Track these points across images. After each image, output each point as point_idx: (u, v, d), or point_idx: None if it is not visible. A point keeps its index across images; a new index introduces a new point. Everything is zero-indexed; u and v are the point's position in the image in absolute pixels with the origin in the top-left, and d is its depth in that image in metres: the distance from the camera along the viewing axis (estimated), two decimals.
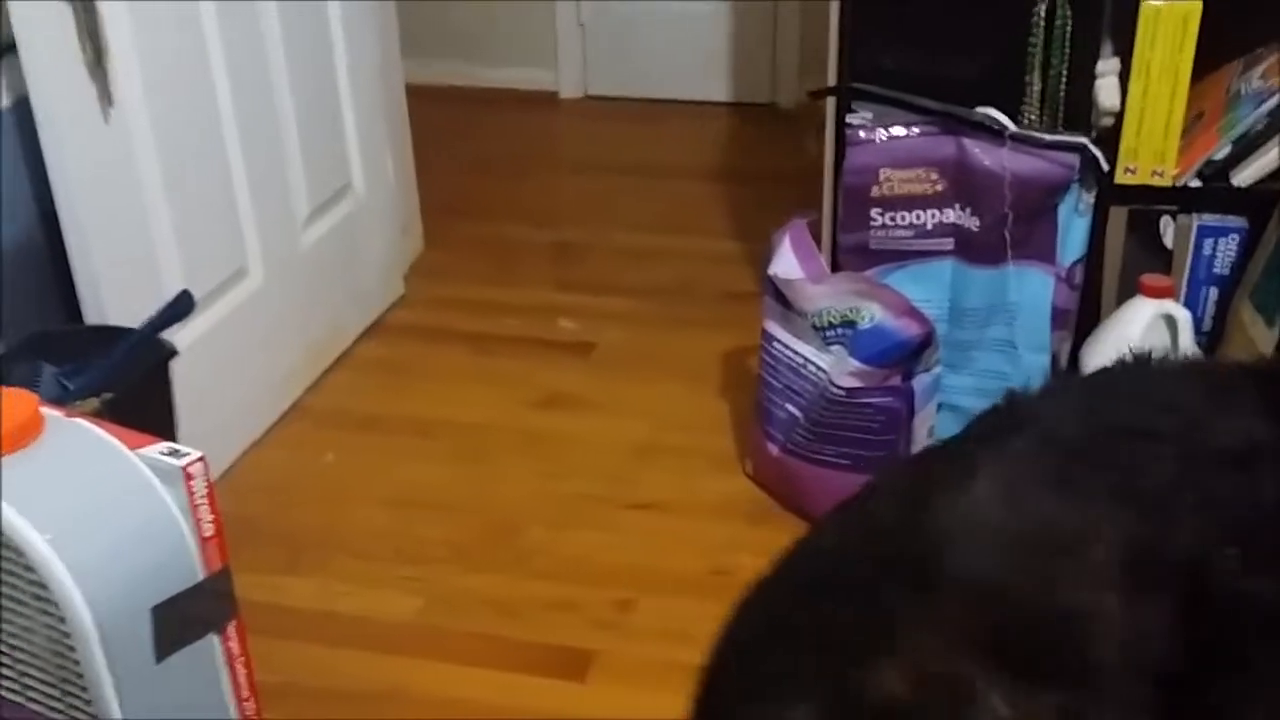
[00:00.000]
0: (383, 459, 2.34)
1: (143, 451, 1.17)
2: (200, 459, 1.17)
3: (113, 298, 1.97)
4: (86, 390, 1.73)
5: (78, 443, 1.15)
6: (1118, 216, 2.18)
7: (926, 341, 2.01)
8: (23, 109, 1.86)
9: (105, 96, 1.90)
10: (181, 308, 1.85)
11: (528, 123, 3.89)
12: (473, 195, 3.36)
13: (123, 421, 1.68)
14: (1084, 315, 2.18)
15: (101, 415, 1.69)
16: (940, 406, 2.16)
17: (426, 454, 2.36)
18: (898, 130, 2.09)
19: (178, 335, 2.12)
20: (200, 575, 1.18)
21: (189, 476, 1.16)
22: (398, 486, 2.26)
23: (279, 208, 2.39)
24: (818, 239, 2.23)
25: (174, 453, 1.17)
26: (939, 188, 2.10)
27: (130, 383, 1.78)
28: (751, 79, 3.90)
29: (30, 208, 1.92)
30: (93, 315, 1.96)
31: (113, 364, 1.74)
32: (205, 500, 1.18)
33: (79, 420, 1.18)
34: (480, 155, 3.63)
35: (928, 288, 2.14)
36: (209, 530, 1.19)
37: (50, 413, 1.17)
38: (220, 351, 2.25)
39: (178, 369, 2.04)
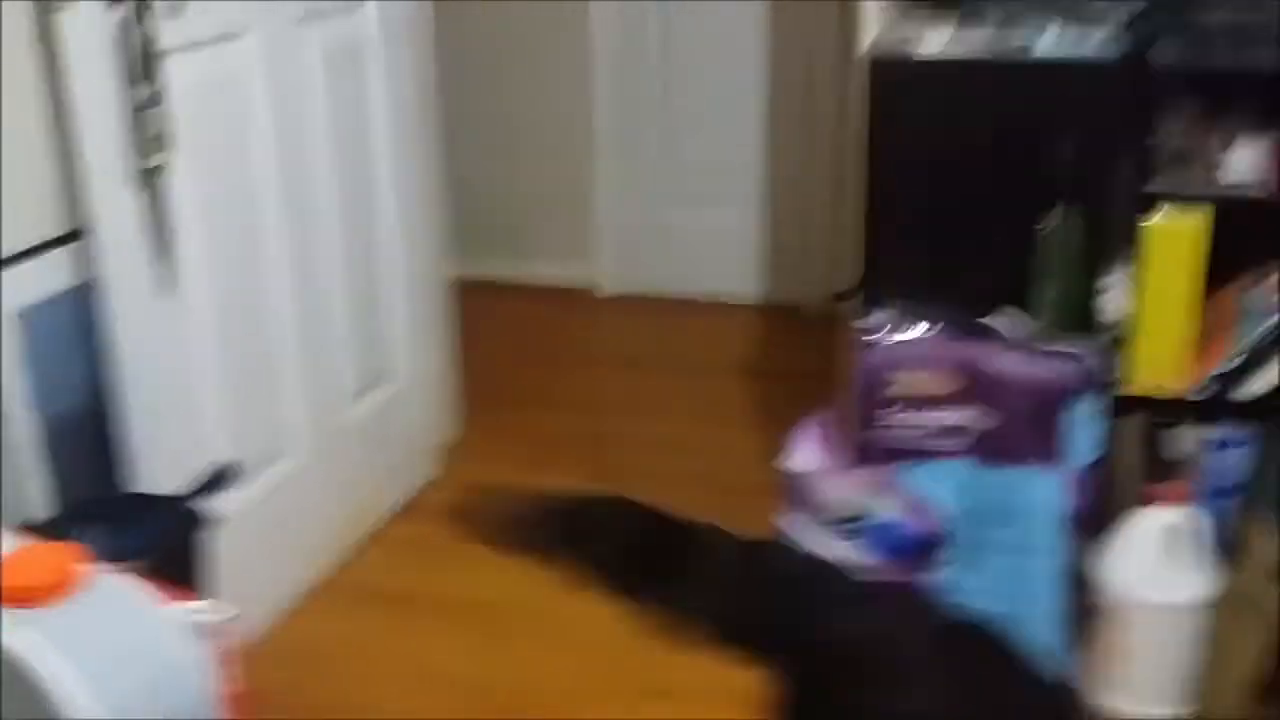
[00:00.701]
0: (409, 637, 2.39)
1: (176, 607, 1.24)
2: (231, 616, 1.24)
3: (158, 470, 2.06)
4: (127, 556, 1.80)
5: (114, 597, 1.22)
6: (1130, 425, 2.25)
7: (936, 539, 2.06)
8: (84, 290, 1.99)
9: (168, 281, 2.04)
10: (221, 479, 1.94)
11: (566, 316, 4.04)
12: (512, 384, 3.48)
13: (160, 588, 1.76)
14: (1097, 521, 2.22)
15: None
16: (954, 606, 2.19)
17: (451, 633, 2.40)
18: (912, 333, 2.19)
19: (220, 504, 2.22)
20: None
21: (216, 633, 1.23)
22: (422, 664, 2.30)
23: (324, 389, 2.51)
24: (836, 436, 2.31)
25: (206, 610, 1.24)
26: (952, 389, 2.18)
27: (166, 551, 1.86)
28: (784, 281, 4.04)
29: (86, 381, 2.03)
30: (138, 485, 2.05)
31: (148, 532, 1.82)
32: (231, 656, 1.24)
33: (117, 576, 1.25)
34: (519, 346, 3.77)
35: (941, 486, 2.19)
36: (232, 685, 1.25)
37: (92, 568, 1.25)
38: (259, 523, 2.33)
39: (218, 535, 2.12)
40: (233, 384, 2.24)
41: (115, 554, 1.76)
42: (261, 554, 2.34)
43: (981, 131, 2.17)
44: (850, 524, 2.11)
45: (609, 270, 4.18)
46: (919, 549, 2.07)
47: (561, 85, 4.06)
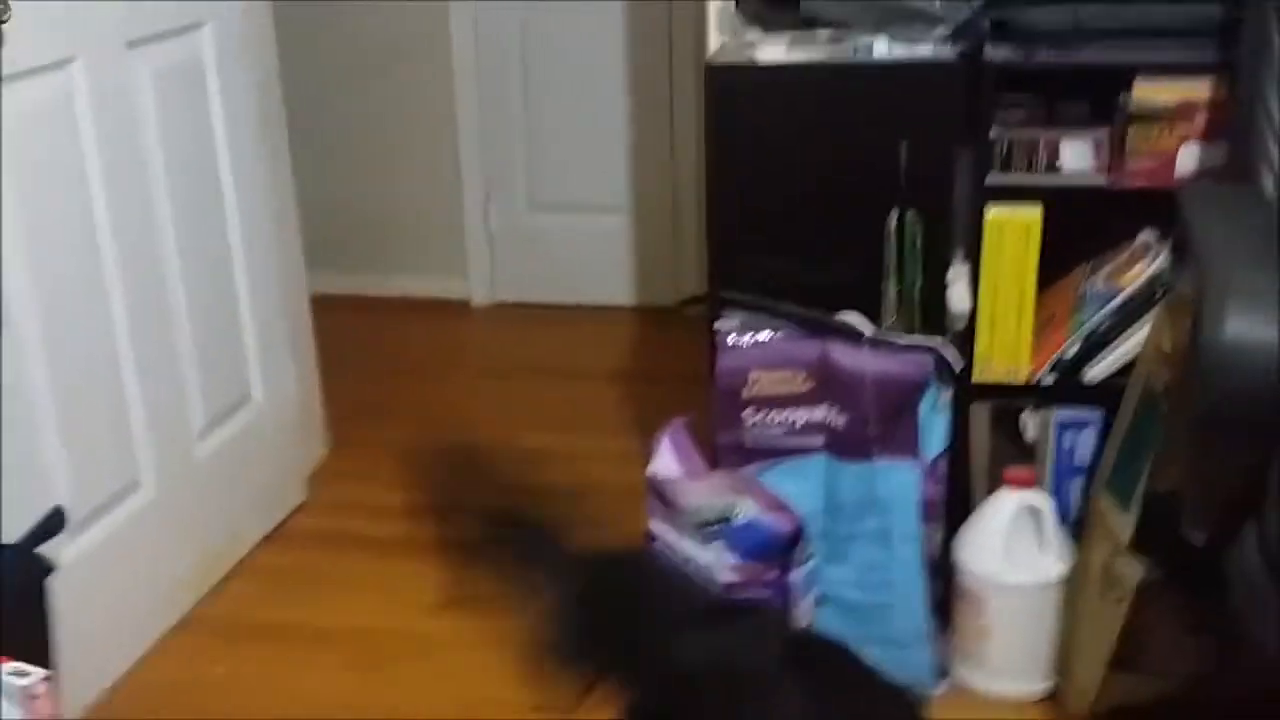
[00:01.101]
0: (277, 669, 2.34)
1: None
2: (46, 678, 1.20)
3: None
4: None
5: None
6: (980, 412, 2.29)
7: (797, 536, 2.08)
8: None
9: None
10: (53, 524, 1.88)
11: (439, 330, 4.00)
12: (381, 401, 3.43)
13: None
14: (955, 507, 2.26)
15: None
16: (822, 599, 2.22)
17: (321, 663, 2.36)
18: (764, 334, 2.20)
19: (66, 548, 2.15)
20: None
21: (33, 696, 1.19)
22: (290, 698, 2.26)
23: (173, 420, 2.45)
24: (703, 438, 2.32)
25: (19, 672, 1.20)
26: (806, 388, 2.20)
27: (7, 599, 1.80)
28: (655, 283, 4.05)
29: None
30: None
31: None
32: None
33: None
34: (391, 362, 3.73)
35: (802, 483, 2.22)
36: None
37: None
38: (111, 562, 2.27)
39: (67, 579, 2.06)
40: (72, 422, 2.17)
41: None
42: (118, 595, 2.28)
43: (822, 134, 2.19)
44: (712, 527, 2.12)
45: (481, 280, 4.16)
46: (781, 547, 2.08)
47: (424, 95, 4.02)
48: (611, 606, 1.40)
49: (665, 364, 3.66)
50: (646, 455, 3.06)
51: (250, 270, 2.67)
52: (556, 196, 4.06)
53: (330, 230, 3.98)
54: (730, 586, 2.08)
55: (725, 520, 2.11)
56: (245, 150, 2.63)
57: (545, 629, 1.44)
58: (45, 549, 1.94)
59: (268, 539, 2.75)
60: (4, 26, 1.94)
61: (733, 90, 2.22)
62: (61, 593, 2.04)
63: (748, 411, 2.24)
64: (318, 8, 3.87)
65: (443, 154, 4.05)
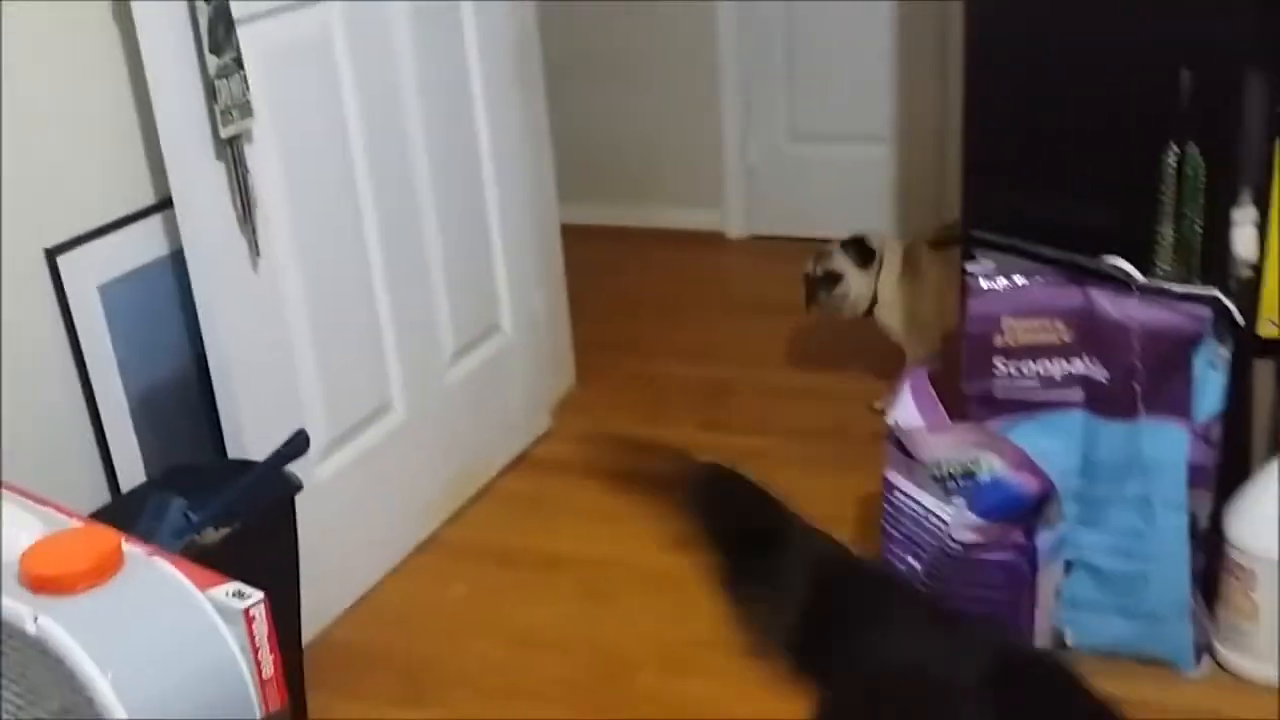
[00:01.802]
0: (511, 594, 2.39)
1: (210, 592, 1.24)
2: (261, 600, 1.23)
3: (256, 433, 2.09)
4: (209, 522, 1.84)
5: (149, 582, 1.22)
6: (1264, 371, 2.07)
7: (1045, 497, 1.94)
8: (180, 258, 2.02)
9: (254, 247, 2.05)
10: (297, 446, 1.95)
11: (691, 263, 3.96)
12: (629, 333, 3.43)
13: (245, 553, 1.79)
14: (1229, 473, 2.06)
15: (220, 548, 1.80)
16: (1074, 565, 2.08)
17: (554, 590, 2.39)
18: (1020, 279, 2.05)
19: (319, 467, 2.24)
20: (258, 715, 1.23)
21: (250, 618, 1.22)
22: (522, 622, 2.30)
23: (424, 346, 2.51)
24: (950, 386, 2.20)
25: (238, 594, 1.23)
26: (1065, 338, 2.04)
27: (253, 516, 1.88)
28: (919, 217, 3.88)
29: (185, 348, 2.07)
30: (235, 450, 2.09)
31: (233, 498, 1.85)
32: (266, 641, 1.23)
33: (155, 559, 1.26)
34: (641, 294, 3.72)
35: (1058, 440, 2.07)
36: (269, 671, 1.24)
37: (132, 550, 1.25)
38: (362, 483, 2.35)
39: (318, 498, 2.15)
40: (328, 345, 2.25)
41: (194, 524, 1.80)
42: (366, 515, 2.37)
43: (1093, 60, 2.00)
44: (956, 481, 2.01)
45: (737, 213, 4.09)
46: (1028, 508, 1.95)
47: (683, 22, 3.96)
48: (827, 605, 1.36)
49: None
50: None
51: (502, 202, 2.70)
52: (817, 126, 3.94)
53: (585, 160, 4.00)
54: (971, 547, 1.97)
55: (968, 476, 1.99)
56: (500, 82, 2.65)
57: (762, 616, 1.45)
58: (293, 468, 2.02)
59: (512, 465, 2.80)
60: None
61: (995, 12, 2.05)
62: (312, 511, 2.13)
63: (999, 361, 2.10)
64: None
65: (701, 82, 3.99)
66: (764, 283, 3.81)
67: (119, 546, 1.25)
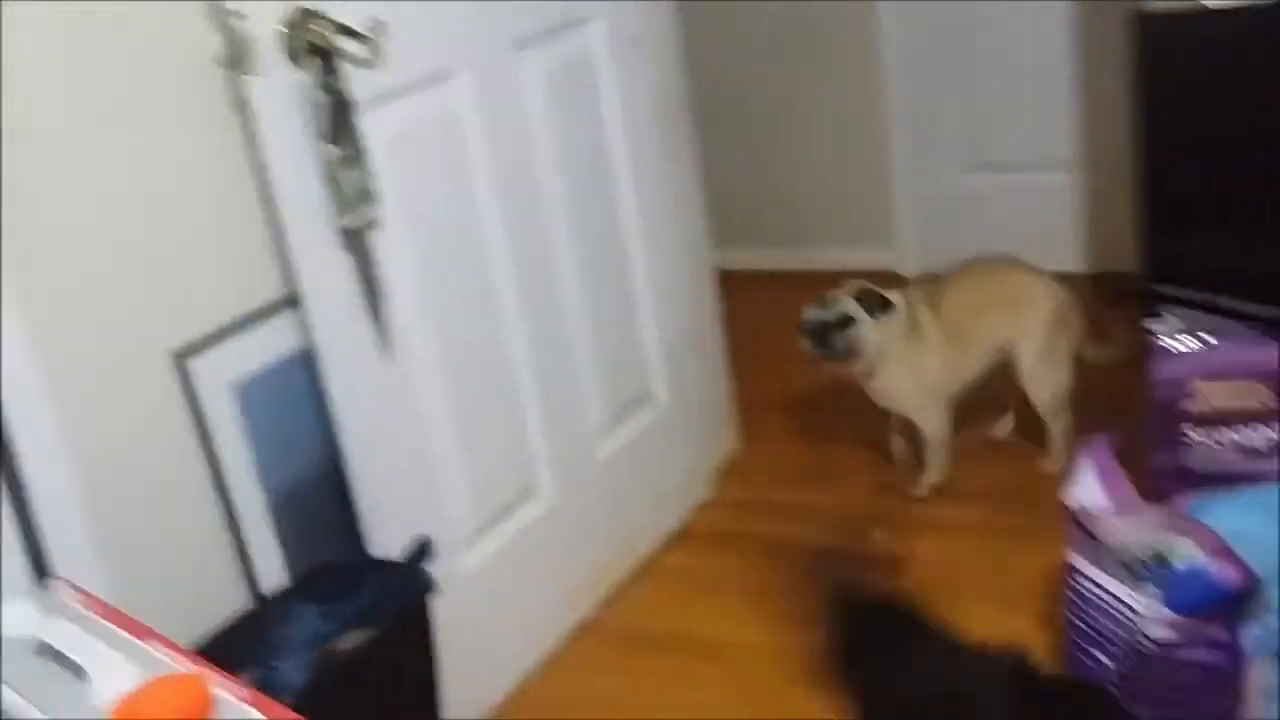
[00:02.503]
0: (668, 683, 2.27)
1: None
2: None
3: (396, 527, 2.03)
4: (342, 629, 1.78)
5: None
6: None
7: (1248, 588, 1.72)
8: (312, 352, 1.98)
9: (384, 338, 2.00)
10: (420, 554, 1.88)
11: None
12: (795, 387, 3.28)
13: (381, 657, 1.73)
14: None
15: (355, 653, 1.74)
16: None
17: (715, 680, 2.26)
18: (1212, 337, 1.84)
19: (464, 556, 2.18)
20: None
21: None
22: (678, 713, 2.17)
23: (571, 423, 2.42)
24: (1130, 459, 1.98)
25: None
26: (1267, 402, 1.81)
27: (387, 619, 1.82)
28: (1111, 246, 3.61)
29: (322, 443, 2.03)
30: (377, 545, 2.03)
31: (365, 603, 1.79)
32: None
33: (246, 705, 1.19)
34: None
35: (1262, 517, 1.84)
36: None
37: (224, 695, 1.19)
38: (510, 570, 2.28)
39: (465, 589, 2.10)
40: (468, 431, 2.18)
41: (328, 632, 1.75)
42: (516, 601, 2.29)
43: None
44: (1146, 569, 1.80)
45: (909, 249, 3.89)
46: (1228, 601, 1.73)
47: (844, 54, 3.80)
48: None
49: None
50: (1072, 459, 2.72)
51: (650, 265, 2.60)
52: (992, 154, 3.72)
53: (744, 204, 3.89)
54: (1167, 645, 1.76)
55: (1161, 563, 1.78)
56: (642, 141, 2.55)
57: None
58: (436, 558, 1.95)
59: (669, 539, 2.68)
60: (382, 45, 1.93)
61: (1172, 42, 1.85)
62: (459, 601, 2.07)
63: (1191, 430, 1.89)
64: None
65: (866, 114, 3.82)
66: None
67: (208, 697, 1.18)
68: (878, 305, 2.55)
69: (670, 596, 2.52)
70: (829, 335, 2.54)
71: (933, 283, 2.73)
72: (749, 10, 3.83)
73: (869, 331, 2.55)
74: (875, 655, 1.55)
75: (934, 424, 2.69)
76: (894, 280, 2.70)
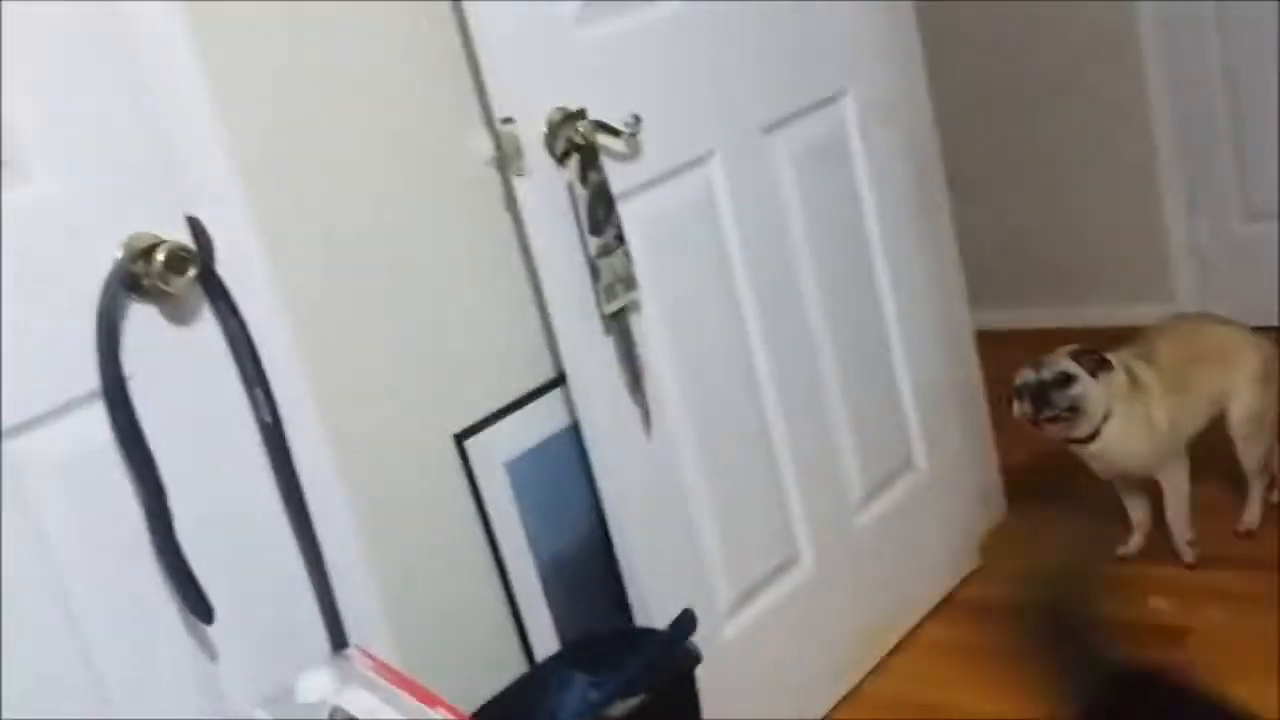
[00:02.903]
0: None
1: None
2: None
3: (660, 597, 2.10)
4: (612, 696, 1.85)
5: None
6: None
7: None
8: (579, 428, 2.08)
9: (645, 414, 2.08)
10: (684, 628, 1.93)
11: None
12: (1061, 449, 3.18)
13: None
14: None
15: None
16: None
17: None
18: None
19: (726, 626, 2.23)
20: None
21: None
22: None
23: (830, 492, 2.44)
24: None
25: None
26: None
27: (654, 690, 1.88)
28: None
29: (590, 515, 2.12)
30: (641, 614, 2.11)
31: (633, 674, 1.85)
32: None
33: None
34: None
35: None
36: None
37: None
38: (772, 640, 2.31)
39: (727, 659, 2.14)
40: (727, 502, 2.23)
41: (596, 702, 1.82)
42: (778, 672, 2.31)
43: None
44: None
45: (1190, 303, 3.71)
46: None
47: (1110, 102, 3.69)
48: None
49: None
50: None
51: (906, 334, 2.60)
52: (1272, 202, 3.52)
53: (1012, 261, 3.82)
54: None
55: None
56: (896, 210, 2.57)
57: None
58: (699, 627, 2.00)
59: (936, 610, 2.65)
60: (638, 138, 2.03)
61: None
62: (721, 672, 2.11)
63: None
64: (983, 31, 3.73)
65: (1135, 164, 3.69)
66: None
67: None
68: (1096, 364, 2.51)
69: (937, 668, 2.49)
70: (1049, 393, 2.49)
71: (1143, 338, 2.67)
72: (1010, 60, 3.77)
73: (1090, 388, 2.49)
74: None
75: (1177, 475, 2.60)
76: (1105, 341, 2.63)
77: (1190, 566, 2.60)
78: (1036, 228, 3.89)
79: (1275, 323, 3.49)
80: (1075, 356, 2.52)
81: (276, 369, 1.67)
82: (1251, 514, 2.69)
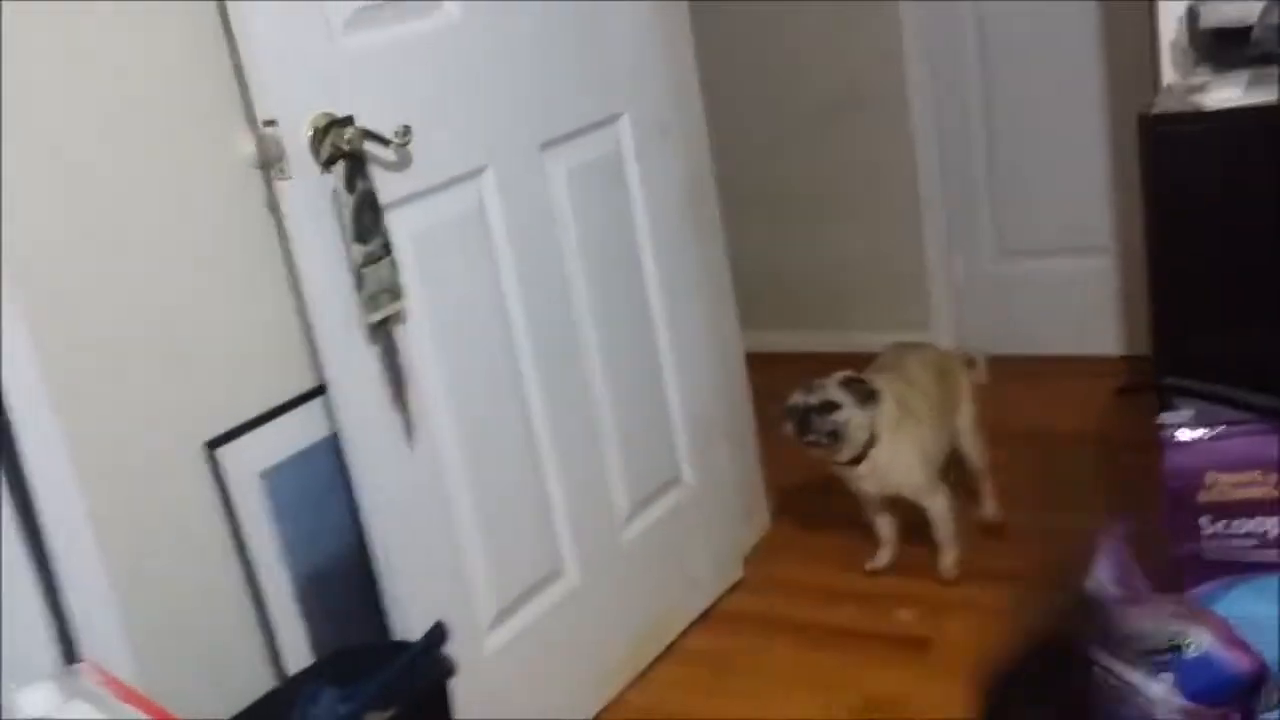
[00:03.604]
0: None
1: None
2: None
3: (420, 611, 2.07)
4: (360, 711, 1.82)
5: None
6: None
7: (1261, 676, 1.71)
8: (339, 440, 2.04)
9: (407, 427, 2.06)
10: (435, 639, 1.92)
11: None
12: (827, 468, 3.29)
13: None
14: None
15: None
16: None
17: None
18: (1221, 428, 1.85)
19: (488, 639, 2.22)
20: None
21: None
22: None
23: (596, 506, 2.46)
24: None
25: None
26: (1277, 492, 1.82)
27: (406, 703, 1.86)
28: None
29: (348, 528, 2.09)
30: (401, 629, 2.08)
31: (382, 686, 1.83)
32: None
33: None
34: None
35: (1276, 606, 1.83)
36: None
37: None
38: (535, 653, 2.31)
39: (489, 672, 2.14)
40: (492, 516, 2.23)
41: (356, 709, 1.79)
42: (541, 684, 2.32)
43: None
44: (1160, 657, 1.80)
45: (946, 334, 3.91)
46: (1240, 689, 1.72)
47: (877, 140, 3.86)
48: None
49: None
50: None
51: (678, 352, 2.65)
52: (1027, 241, 3.75)
53: (779, 286, 3.95)
54: None
55: (1174, 651, 1.78)
56: (670, 229, 2.62)
57: None
58: (462, 641, 1.99)
59: (699, 622, 2.70)
60: (408, 148, 2.02)
61: (1174, 143, 1.88)
62: (484, 684, 2.11)
63: (1204, 520, 1.89)
64: (757, 63, 3.85)
65: (899, 201, 3.87)
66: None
67: None
68: (863, 395, 2.62)
69: (700, 679, 2.54)
70: (811, 419, 2.60)
71: (891, 365, 2.82)
72: (783, 95, 3.91)
73: (854, 416, 2.60)
74: None
75: (941, 499, 2.73)
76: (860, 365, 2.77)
77: (951, 582, 2.72)
78: (808, 257, 4.03)
79: (1023, 351, 3.73)
80: (845, 384, 2.63)
81: (9, 365, 1.58)
82: (992, 506, 2.90)
